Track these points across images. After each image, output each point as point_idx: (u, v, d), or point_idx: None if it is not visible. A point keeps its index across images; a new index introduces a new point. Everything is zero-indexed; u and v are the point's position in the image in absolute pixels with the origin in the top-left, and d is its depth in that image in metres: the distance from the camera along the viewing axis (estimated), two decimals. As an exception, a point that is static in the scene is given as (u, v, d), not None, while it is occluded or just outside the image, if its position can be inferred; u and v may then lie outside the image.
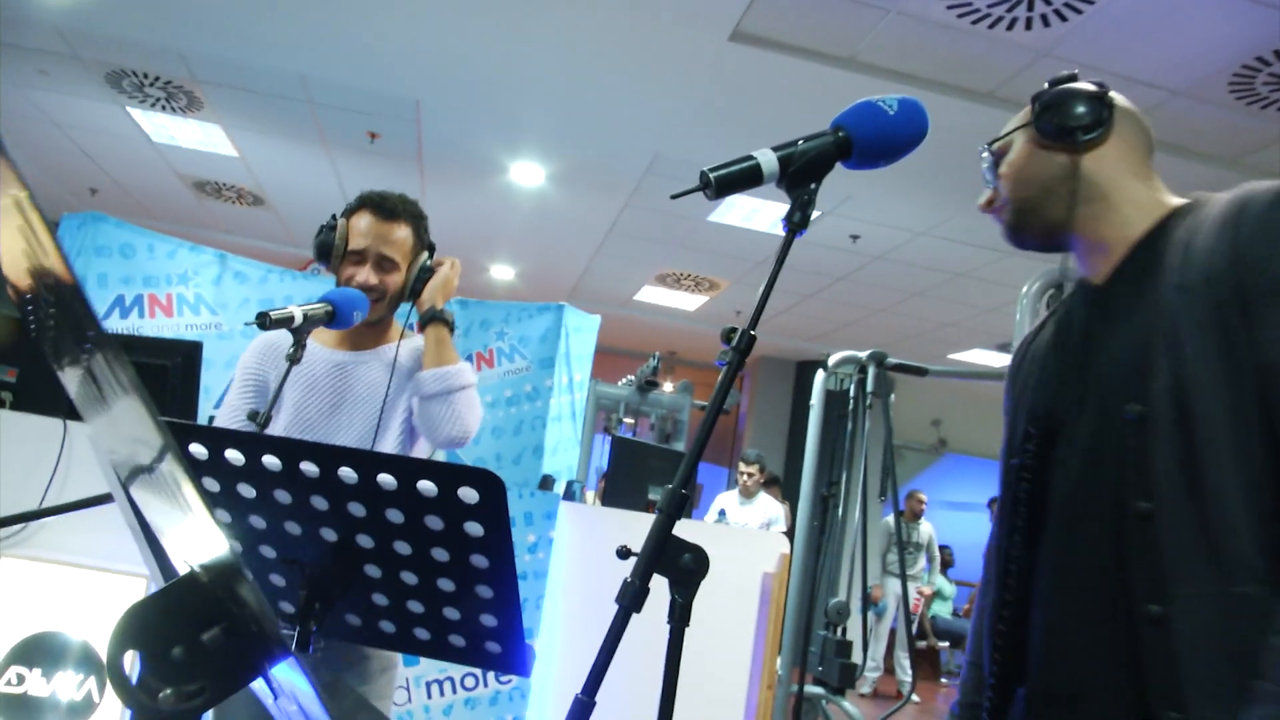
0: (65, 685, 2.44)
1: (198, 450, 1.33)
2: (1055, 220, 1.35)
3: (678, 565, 1.09)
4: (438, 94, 5.65)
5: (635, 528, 3.75)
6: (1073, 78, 1.37)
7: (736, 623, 3.63)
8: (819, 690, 4.65)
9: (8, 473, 3.01)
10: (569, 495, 3.94)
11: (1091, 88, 1.33)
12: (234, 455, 1.31)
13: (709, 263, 8.36)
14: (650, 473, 4.08)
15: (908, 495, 9.15)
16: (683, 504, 1.10)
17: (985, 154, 1.47)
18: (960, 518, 12.23)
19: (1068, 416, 1.28)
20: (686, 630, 1.10)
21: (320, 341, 2.14)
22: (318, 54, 5.34)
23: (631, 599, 1.06)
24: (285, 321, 1.81)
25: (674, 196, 1.20)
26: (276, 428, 2.02)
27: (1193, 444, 1.10)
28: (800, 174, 1.19)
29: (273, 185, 8.00)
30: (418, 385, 2.06)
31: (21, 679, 2.42)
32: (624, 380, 8.17)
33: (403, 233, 2.13)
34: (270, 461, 1.30)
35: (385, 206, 2.14)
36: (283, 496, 1.33)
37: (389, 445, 2.10)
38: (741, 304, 9.63)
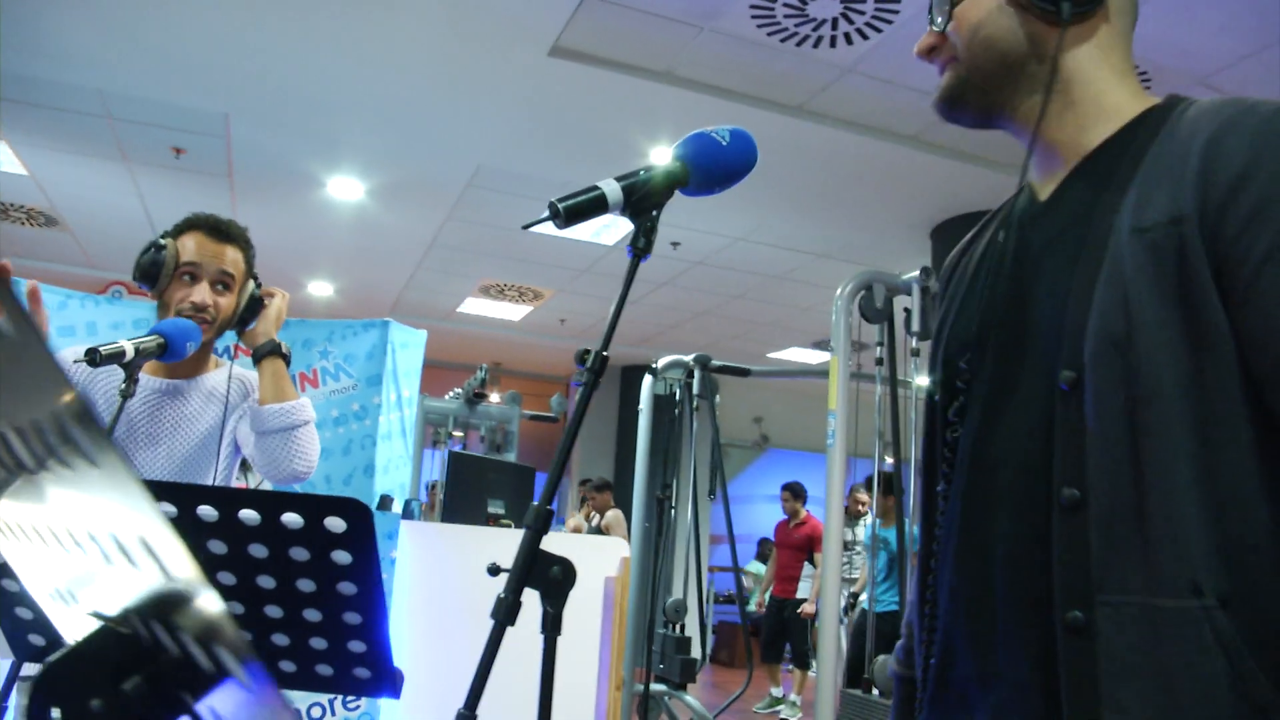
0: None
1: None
2: (1003, 102, 1.11)
3: (547, 578, 1.15)
4: (249, 108, 5.48)
5: (476, 542, 3.77)
6: None
7: (581, 627, 3.70)
8: (662, 687, 4.77)
9: None
10: (408, 514, 3.92)
11: None
12: None
13: (532, 273, 8.41)
14: (489, 486, 4.10)
15: (849, 491, 8.18)
16: (549, 519, 1.16)
17: None
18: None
19: (991, 361, 1.08)
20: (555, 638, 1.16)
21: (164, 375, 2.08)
22: (117, 67, 5.09)
23: (505, 613, 1.11)
24: (116, 357, 1.76)
25: (525, 227, 1.26)
26: None
27: (1135, 424, 0.91)
28: (643, 202, 1.25)
29: (68, 205, 7.55)
30: (258, 420, 2.02)
31: None
32: (451, 394, 8.12)
33: (235, 255, 2.09)
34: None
35: (220, 228, 2.08)
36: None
37: (212, 478, 2.05)
38: (566, 312, 9.71)
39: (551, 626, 1.14)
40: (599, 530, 8.25)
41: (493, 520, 4.03)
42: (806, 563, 8.12)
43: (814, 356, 10.53)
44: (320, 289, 9.42)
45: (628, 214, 1.26)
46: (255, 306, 2.12)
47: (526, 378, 12.27)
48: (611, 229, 6.95)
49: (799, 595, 8.07)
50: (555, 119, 5.29)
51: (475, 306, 9.65)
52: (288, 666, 1.42)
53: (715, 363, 4.95)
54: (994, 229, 1.19)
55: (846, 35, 4.27)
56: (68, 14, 4.59)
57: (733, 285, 8.30)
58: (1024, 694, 0.98)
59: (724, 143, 1.33)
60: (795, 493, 8.29)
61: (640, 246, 1.26)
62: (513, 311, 9.79)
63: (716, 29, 4.32)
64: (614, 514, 8.35)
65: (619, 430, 11.82)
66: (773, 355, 10.71)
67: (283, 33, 4.60)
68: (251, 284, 2.12)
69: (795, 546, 8.21)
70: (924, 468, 1.20)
